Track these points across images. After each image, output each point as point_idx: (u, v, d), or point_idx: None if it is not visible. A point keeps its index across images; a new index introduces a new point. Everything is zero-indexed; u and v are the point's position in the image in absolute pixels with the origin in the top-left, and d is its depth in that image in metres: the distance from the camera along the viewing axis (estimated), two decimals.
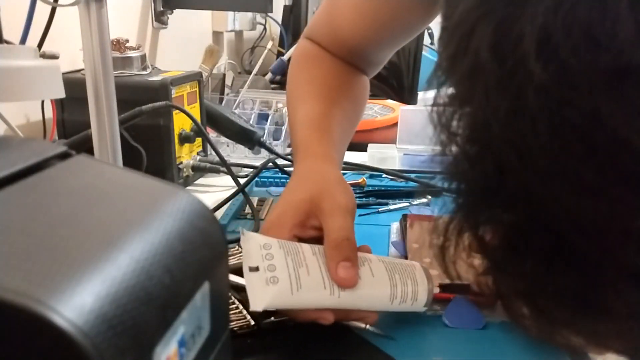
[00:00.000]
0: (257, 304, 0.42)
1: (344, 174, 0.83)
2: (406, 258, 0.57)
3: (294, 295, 0.43)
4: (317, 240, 0.48)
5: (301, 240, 0.48)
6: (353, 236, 0.47)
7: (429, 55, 1.55)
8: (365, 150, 0.94)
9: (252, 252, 0.45)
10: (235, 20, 1.69)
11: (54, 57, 0.68)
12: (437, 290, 0.48)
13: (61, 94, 0.52)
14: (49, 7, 0.59)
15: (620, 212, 0.22)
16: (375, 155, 0.94)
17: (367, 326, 0.46)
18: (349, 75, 0.68)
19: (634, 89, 0.21)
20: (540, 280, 0.25)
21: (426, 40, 1.58)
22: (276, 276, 0.43)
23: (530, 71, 0.22)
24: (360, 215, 0.73)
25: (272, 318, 0.47)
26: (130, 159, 0.65)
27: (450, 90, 0.27)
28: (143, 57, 0.85)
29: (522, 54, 0.22)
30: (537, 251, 0.25)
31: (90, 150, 0.55)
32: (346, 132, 0.64)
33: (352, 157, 0.91)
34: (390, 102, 1.31)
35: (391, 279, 0.45)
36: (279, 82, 1.57)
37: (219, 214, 0.72)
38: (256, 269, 0.44)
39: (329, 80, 0.66)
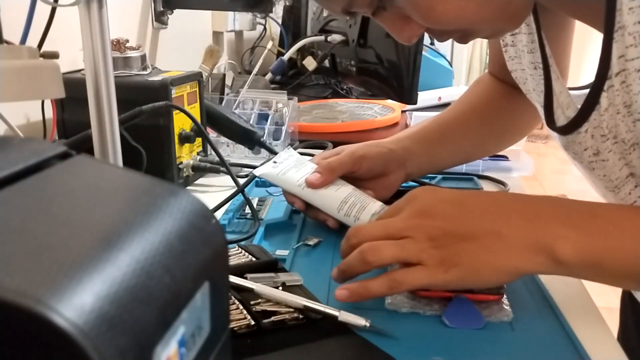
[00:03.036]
0: (258, 170, 0.72)
1: None
2: None
3: (278, 176, 0.69)
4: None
5: None
6: (336, 165, 0.68)
7: (429, 55, 1.55)
8: None
9: (282, 155, 0.74)
10: (235, 21, 1.69)
11: (54, 57, 0.68)
12: None
13: (61, 94, 0.52)
14: (49, 7, 0.59)
15: None
16: None
17: (367, 326, 0.46)
18: (494, 94, 0.81)
19: None
20: None
21: (426, 40, 1.58)
22: (278, 166, 0.71)
23: None
24: None
25: (273, 318, 0.47)
26: (130, 159, 0.65)
27: None
28: (143, 57, 0.85)
29: None
30: None
31: (90, 150, 0.55)
32: (448, 134, 0.78)
33: None
34: (390, 102, 1.31)
35: (346, 198, 0.65)
36: (279, 82, 1.57)
37: (219, 214, 0.72)
38: (274, 161, 0.72)
39: (469, 98, 0.82)
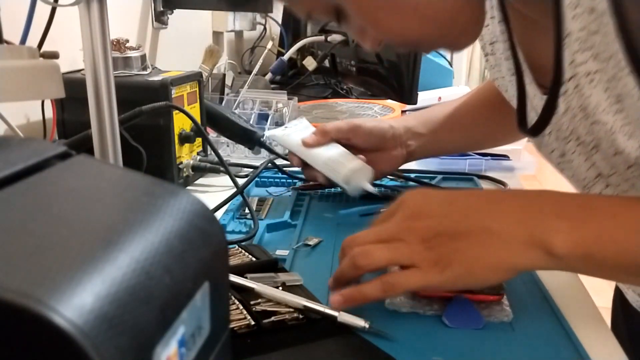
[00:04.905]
0: (268, 132, 0.84)
1: None
2: None
3: (283, 137, 0.80)
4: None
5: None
6: (330, 128, 0.76)
7: (429, 55, 1.55)
8: None
9: (293, 122, 0.83)
10: (235, 20, 1.69)
11: (54, 57, 0.68)
12: None
13: (61, 94, 0.52)
14: (49, 7, 0.59)
15: None
16: None
17: (367, 326, 0.46)
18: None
19: None
20: None
21: None
22: (286, 130, 0.81)
23: None
24: (360, 216, 0.73)
25: (273, 318, 0.47)
26: (130, 159, 0.65)
27: None
28: (143, 57, 0.85)
29: None
30: None
31: (90, 150, 0.55)
32: (451, 118, 0.81)
33: None
34: (390, 102, 1.31)
35: (332, 157, 0.74)
36: (279, 82, 1.57)
37: (219, 214, 0.72)
38: (286, 127, 0.82)
39: (482, 90, 0.83)
